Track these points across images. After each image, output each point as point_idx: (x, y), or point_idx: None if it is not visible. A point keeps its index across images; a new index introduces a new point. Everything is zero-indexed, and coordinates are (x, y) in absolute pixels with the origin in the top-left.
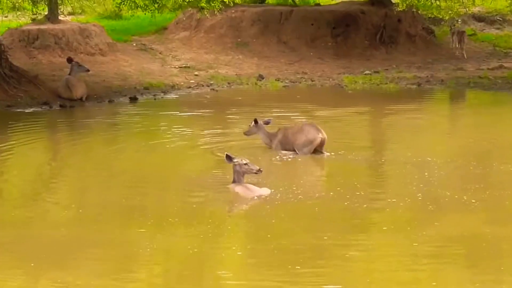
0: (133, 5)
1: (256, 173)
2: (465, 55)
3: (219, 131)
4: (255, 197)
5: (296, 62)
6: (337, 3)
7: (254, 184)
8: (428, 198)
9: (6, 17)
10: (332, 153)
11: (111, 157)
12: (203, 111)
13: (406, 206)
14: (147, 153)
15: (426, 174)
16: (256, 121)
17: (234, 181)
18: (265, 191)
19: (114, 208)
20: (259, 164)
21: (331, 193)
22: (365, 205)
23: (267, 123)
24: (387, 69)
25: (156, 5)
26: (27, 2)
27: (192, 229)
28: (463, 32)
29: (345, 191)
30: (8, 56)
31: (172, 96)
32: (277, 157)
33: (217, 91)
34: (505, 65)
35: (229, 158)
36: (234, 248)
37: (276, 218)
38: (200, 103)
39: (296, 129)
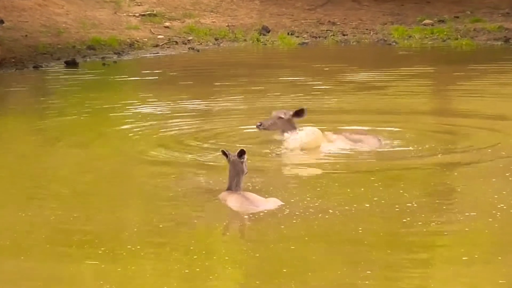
0: None
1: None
2: None
3: (200, 112)
4: (259, 212)
5: (319, 7)
6: None
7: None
8: None
9: None
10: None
11: (37, 153)
12: (176, 82)
13: (493, 225)
14: (93, 147)
15: None
16: (300, 113)
17: (229, 188)
18: (273, 203)
19: (47, 232)
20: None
21: (367, 205)
22: (433, 224)
23: (300, 114)
24: (457, 17)
25: None
26: None
27: (167, 262)
28: None
29: (390, 202)
30: None
31: (130, 58)
32: (283, 151)
33: (198, 51)
34: None
35: (242, 153)
36: None
37: (296, 244)
38: (172, 70)
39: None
